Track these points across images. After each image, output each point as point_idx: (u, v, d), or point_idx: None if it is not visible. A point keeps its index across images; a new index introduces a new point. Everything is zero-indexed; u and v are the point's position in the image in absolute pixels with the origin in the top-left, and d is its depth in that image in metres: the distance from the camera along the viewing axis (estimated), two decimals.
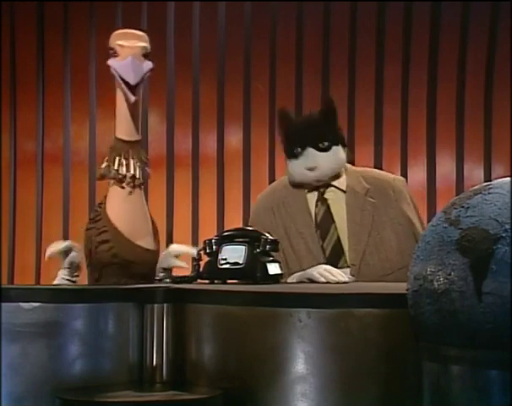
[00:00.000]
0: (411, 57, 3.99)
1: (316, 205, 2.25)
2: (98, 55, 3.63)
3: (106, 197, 2.00)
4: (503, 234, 1.17)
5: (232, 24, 3.93)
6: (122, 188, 1.93)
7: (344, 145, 2.28)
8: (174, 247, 2.13)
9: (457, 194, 1.35)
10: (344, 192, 2.25)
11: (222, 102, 3.94)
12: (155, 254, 2.03)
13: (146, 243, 1.99)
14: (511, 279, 1.15)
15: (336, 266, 2.13)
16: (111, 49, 1.94)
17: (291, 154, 2.25)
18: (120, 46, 1.92)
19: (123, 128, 1.95)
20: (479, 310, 1.17)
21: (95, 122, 3.80)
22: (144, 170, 1.97)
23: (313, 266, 2.10)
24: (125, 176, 1.92)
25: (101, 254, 1.95)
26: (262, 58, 3.95)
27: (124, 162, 1.92)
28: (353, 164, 2.41)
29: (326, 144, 2.21)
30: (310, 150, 2.21)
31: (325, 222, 2.22)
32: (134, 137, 1.96)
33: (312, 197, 2.26)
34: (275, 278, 1.94)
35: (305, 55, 3.97)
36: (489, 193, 1.24)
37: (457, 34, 3.97)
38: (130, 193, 1.94)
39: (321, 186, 2.25)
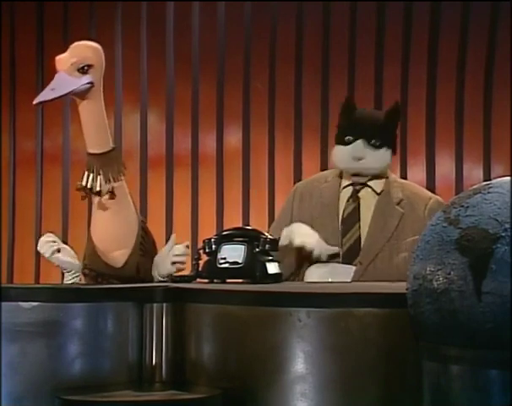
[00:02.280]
0: (410, 57, 3.99)
1: (347, 201, 2.28)
2: None
3: None
4: (503, 234, 1.17)
5: (232, 23, 3.93)
6: (96, 202, 1.90)
7: (394, 152, 2.31)
8: (169, 250, 2.08)
9: (456, 194, 1.35)
10: (378, 194, 2.28)
11: (222, 102, 3.94)
12: (127, 269, 1.97)
13: (121, 255, 1.94)
14: (511, 279, 1.15)
15: (351, 264, 2.17)
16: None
17: (341, 140, 2.29)
18: (56, 61, 1.85)
19: (90, 141, 1.89)
20: (479, 310, 1.16)
21: None
22: (110, 181, 1.89)
23: (328, 258, 2.15)
24: (91, 190, 1.87)
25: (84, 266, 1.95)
26: (261, 58, 3.94)
27: (91, 177, 1.87)
28: (405, 178, 2.44)
29: (378, 143, 2.25)
30: (360, 142, 2.25)
31: (351, 219, 2.25)
32: (103, 149, 1.89)
33: (345, 194, 2.29)
34: (275, 278, 1.94)
35: (305, 55, 3.96)
36: (489, 192, 1.24)
37: (457, 34, 3.97)
38: (100, 206, 1.90)
39: (358, 184, 2.28)
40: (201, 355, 1.52)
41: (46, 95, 1.83)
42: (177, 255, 2.00)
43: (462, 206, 1.24)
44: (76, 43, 1.90)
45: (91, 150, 1.89)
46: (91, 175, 1.87)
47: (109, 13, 3.88)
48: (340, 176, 2.32)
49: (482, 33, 3.96)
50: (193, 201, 3.91)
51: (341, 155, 2.28)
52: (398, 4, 3.97)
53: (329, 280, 2.13)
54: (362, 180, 2.28)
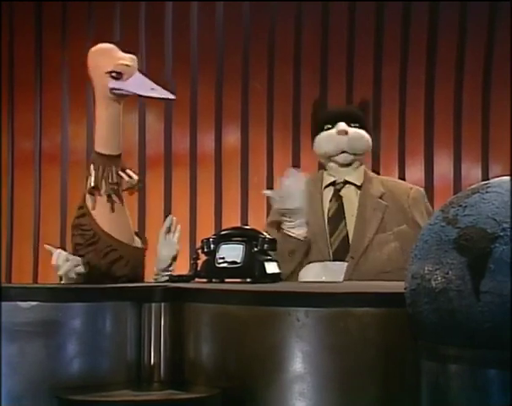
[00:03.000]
0: (409, 57, 3.99)
1: (330, 201, 2.29)
2: None
3: (83, 207, 1.95)
4: (501, 233, 1.17)
5: (231, 23, 3.93)
6: (102, 199, 1.90)
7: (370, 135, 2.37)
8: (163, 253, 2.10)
9: (455, 194, 1.35)
10: (359, 188, 2.29)
11: (220, 102, 3.94)
12: (144, 251, 2.01)
13: (138, 243, 1.99)
14: (510, 278, 1.15)
15: (342, 261, 2.19)
16: (112, 72, 1.85)
17: (321, 129, 2.34)
18: (126, 66, 1.86)
19: (107, 143, 1.90)
20: (477, 309, 1.16)
21: (93, 121, 3.79)
22: (120, 185, 1.92)
23: (319, 259, 2.17)
24: (98, 187, 1.89)
25: (111, 265, 1.91)
26: (260, 58, 3.94)
27: (109, 176, 1.88)
28: (404, 178, 2.48)
29: (357, 125, 2.33)
30: (341, 123, 2.31)
31: (336, 217, 2.27)
32: (115, 152, 1.91)
33: (327, 194, 2.31)
34: (273, 277, 1.94)
35: (303, 55, 3.97)
36: (487, 192, 1.24)
37: (455, 34, 3.97)
38: (114, 205, 1.90)
39: (338, 184, 2.30)
40: (200, 355, 1.52)
41: (162, 92, 1.88)
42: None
43: (460, 206, 1.24)
44: (114, 46, 1.92)
45: (108, 152, 1.90)
46: (107, 174, 1.88)
47: (107, 12, 3.88)
48: (321, 177, 2.34)
49: (480, 33, 3.97)
50: (192, 201, 3.91)
51: (326, 136, 2.32)
52: (396, 4, 3.97)
53: (323, 279, 2.14)
54: (344, 161, 2.30)
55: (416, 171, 3.97)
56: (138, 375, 1.55)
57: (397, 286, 1.42)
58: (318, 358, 1.40)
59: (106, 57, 1.89)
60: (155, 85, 1.89)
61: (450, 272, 1.20)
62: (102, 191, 1.89)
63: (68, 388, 1.47)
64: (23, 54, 3.91)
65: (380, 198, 2.29)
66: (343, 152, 2.30)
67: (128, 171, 1.92)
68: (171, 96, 1.91)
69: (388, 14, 3.97)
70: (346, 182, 2.31)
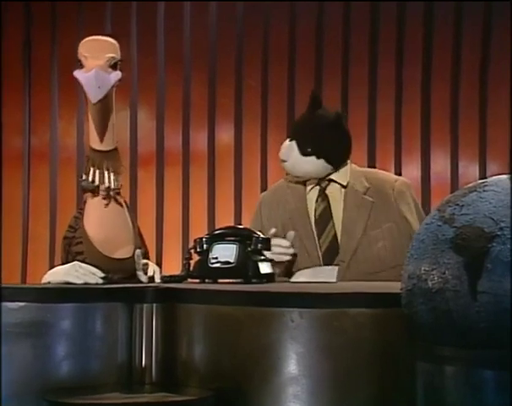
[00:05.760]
0: (404, 55, 3.99)
1: (316, 201, 2.28)
2: None
3: (84, 204, 1.96)
4: (498, 232, 1.18)
5: (224, 20, 3.93)
6: (99, 199, 1.89)
7: (330, 162, 2.28)
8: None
9: (452, 192, 1.35)
10: (345, 187, 2.28)
11: (213, 99, 3.94)
12: (131, 262, 1.98)
13: (125, 252, 1.94)
14: (510, 278, 1.15)
15: (331, 264, 2.16)
16: (79, 60, 1.85)
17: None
18: (85, 57, 1.83)
19: (98, 137, 1.89)
20: (474, 310, 1.17)
21: (83, 118, 3.78)
22: (118, 180, 1.91)
23: (308, 262, 2.16)
24: (99, 187, 1.88)
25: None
26: (254, 56, 3.94)
27: (98, 173, 1.87)
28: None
29: (309, 150, 2.26)
30: (291, 143, 2.29)
31: (323, 218, 2.26)
32: (109, 146, 1.90)
33: (313, 194, 2.29)
34: (267, 277, 1.94)
35: (298, 52, 3.96)
36: (484, 190, 1.24)
37: (451, 32, 3.98)
38: (106, 205, 1.90)
39: (323, 182, 2.28)
40: (192, 356, 1.52)
41: (98, 93, 1.82)
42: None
43: (457, 205, 1.24)
44: (99, 38, 1.90)
45: (99, 147, 1.89)
46: (98, 171, 1.87)
47: (98, 9, 3.87)
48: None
49: (476, 29, 3.97)
50: (185, 200, 3.91)
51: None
52: (392, 2, 3.97)
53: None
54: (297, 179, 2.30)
55: (412, 169, 3.98)
56: (130, 377, 1.55)
57: (392, 286, 1.43)
58: (313, 359, 1.40)
59: (83, 45, 1.88)
60: (104, 85, 1.83)
61: (447, 272, 1.20)
62: (90, 190, 1.88)
63: (58, 390, 1.46)
64: (12, 51, 3.89)
65: (365, 194, 2.26)
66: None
67: (111, 173, 1.89)
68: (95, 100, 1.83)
69: (383, 12, 3.98)
70: (331, 180, 2.29)
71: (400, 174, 3.89)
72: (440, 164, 4.02)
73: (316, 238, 2.23)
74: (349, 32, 3.98)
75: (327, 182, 2.29)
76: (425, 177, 3.99)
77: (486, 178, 1.33)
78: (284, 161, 2.29)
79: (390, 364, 1.40)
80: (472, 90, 3.99)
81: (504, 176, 1.27)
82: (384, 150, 3.99)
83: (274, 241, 2.06)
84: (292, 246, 2.17)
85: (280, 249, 2.14)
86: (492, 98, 3.99)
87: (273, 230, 2.15)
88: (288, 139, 2.31)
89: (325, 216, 2.25)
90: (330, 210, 2.26)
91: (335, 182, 2.29)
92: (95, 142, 1.89)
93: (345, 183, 2.28)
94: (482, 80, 3.98)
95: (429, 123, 4.01)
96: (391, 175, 2.46)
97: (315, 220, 2.25)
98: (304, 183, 2.31)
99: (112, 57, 1.86)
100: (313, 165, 2.25)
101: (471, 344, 1.18)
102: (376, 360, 1.40)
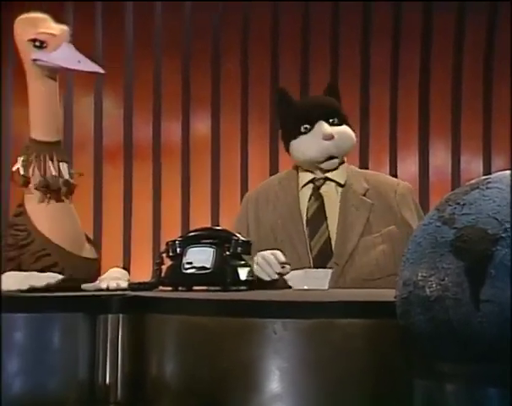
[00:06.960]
0: (401, 39, 4.02)
1: (309, 200, 2.29)
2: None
3: (22, 205, 1.93)
4: (503, 234, 1.18)
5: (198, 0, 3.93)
6: (41, 195, 1.88)
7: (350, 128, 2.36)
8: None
9: (452, 190, 1.36)
10: (342, 186, 2.30)
11: (188, 86, 3.93)
12: (96, 262, 1.99)
13: (89, 252, 1.96)
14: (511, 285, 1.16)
15: (324, 267, 2.18)
16: (35, 40, 1.86)
17: (298, 132, 2.29)
18: (51, 35, 1.86)
19: (43, 127, 1.88)
20: (476, 320, 1.17)
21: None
22: (71, 172, 1.91)
23: (297, 266, 2.15)
24: (47, 181, 1.87)
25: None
26: (233, 39, 3.95)
27: (51, 166, 1.87)
28: (396, 173, 2.45)
29: (336, 120, 2.30)
30: (322, 123, 2.27)
31: (316, 219, 2.26)
32: (56, 137, 1.90)
33: (305, 193, 2.30)
34: (247, 284, 1.94)
35: (282, 36, 3.98)
36: (488, 188, 1.25)
37: (453, 13, 4.01)
38: (58, 200, 1.89)
39: (317, 180, 2.29)
40: (163, 373, 1.52)
41: (90, 66, 1.90)
42: None
43: (458, 204, 1.25)
44: (46, 16, 1.92)
45: (45, 138, 1.88)
46: (60, 165, 1.87)
47: None
48: (296, 174, 2.34)
49: (480, 13, 4.01)
50: (156, 198, 3.90)
51: (309, 142, 2.28)
52: None
53: (305, 287, 2.14)
54: (331, 166, 2.29)
55: (409, 165, 4.01)
56: (92, 396, 1.55)
57: (387, 294, 1.43)
58: (298, 375, 1.40)
59: (30, 25, 1.89)
60: (83, 58, 1.89)
61: (446, 278, 1.21)
62: (34, 184, 1.87)
63: None
64: None
65: (364, 195, 2.29)
66: (330, 158, 2.29)
67: (63, 165, 1.89)
68: (101, 70, 1.92)
69: None
70: (327, 179, 2.31)
71: (395, 170, 3.92)
72: (440, 159, 4.05)
73: (307, 240, 2.24)
74: (338, 12, 3.99)
75: (322, 180, 2.30)
76: (423, 173, 4.02)
77: (490, 173, 1.33)
78: (330, 138, 2.25)
79: (384, 381, 1.41)
80: (476, 78, 4.03)
81: (510, 172, 1.28)
82: (377, 143, 4.01)
83: (269, 256, 2.06)
84: (288, 264, 2.14)
85: (274, 268, 2.09)
86: (497, 87, 4.03)
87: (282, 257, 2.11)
88: (305, 128, 2.28)
89: (318, 217, 2.26)
90: (324, 210, 2.27)
91: (331, 180, 2.30)
92: (40, 133, 1.88)
93: (342, 182, 2.30)
94: (487, 67, 4.02)
95: (428, 113, 4.03)
96: (392, 178, 2.50)
97: (307, 220, 2.26)
98: (297, 179, 2.32)
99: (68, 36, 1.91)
100: (351, 132, 2.31)
101: (473, 358, 1.19)
102: (368, 376, 1.41)
